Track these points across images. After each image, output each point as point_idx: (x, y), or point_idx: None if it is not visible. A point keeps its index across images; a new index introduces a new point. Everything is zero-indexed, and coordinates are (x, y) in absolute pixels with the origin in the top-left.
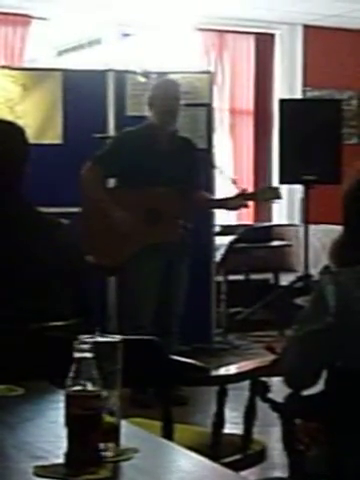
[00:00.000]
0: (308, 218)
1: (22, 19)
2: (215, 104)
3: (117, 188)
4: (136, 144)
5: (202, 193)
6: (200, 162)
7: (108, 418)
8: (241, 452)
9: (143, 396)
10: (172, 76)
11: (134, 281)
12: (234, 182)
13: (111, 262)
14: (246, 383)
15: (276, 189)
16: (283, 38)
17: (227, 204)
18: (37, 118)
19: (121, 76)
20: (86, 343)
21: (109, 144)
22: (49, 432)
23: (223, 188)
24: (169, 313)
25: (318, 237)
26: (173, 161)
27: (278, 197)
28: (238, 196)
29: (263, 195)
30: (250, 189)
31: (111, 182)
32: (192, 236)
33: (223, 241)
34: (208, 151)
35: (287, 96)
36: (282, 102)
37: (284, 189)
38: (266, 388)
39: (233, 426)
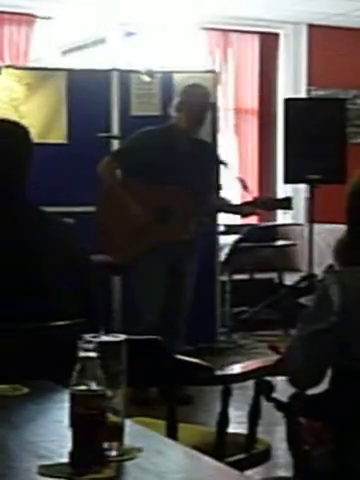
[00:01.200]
0: (313, 217)
1: (27, 18)
2: (220, 103)
3: (131, 183)
4: (155, 142)
5: (215, 197)
6: (217, 166)
7: (112, 417)
8: (245, 451)
9: (143, 395)
10: (179, 76)
11: (142, 279)
12: (245, 187)
13: (122, 259)
14: (250, 382)
15: (287, 199)
16: (288, 37)
17: (237, 210)
18: (41, 117)
19: (125, 75)
20: (90, 342)
21: (128, 140)
22: (53, 431)
23: (229, 185)
24: (177, 313)
25: (323, 236)
26: (190, 162)
27: (289, 208)
28: (248, 204)
29: (273, 205)
30: (255, 190)
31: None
32: (199, 236)
33: (228, 240)
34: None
35: (292, 95)
36: (287, 101)
37: (288, 188)
38: (270, 387)
39: (237, 425)
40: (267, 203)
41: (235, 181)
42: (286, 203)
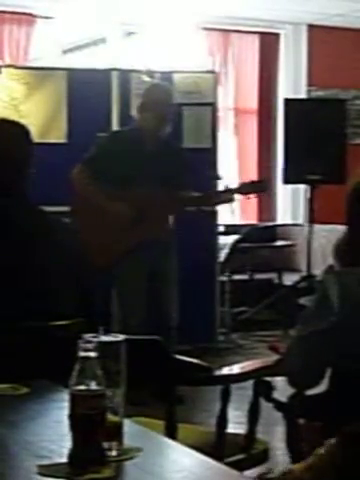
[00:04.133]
0: (312, 218)
1: (27, 18)
2: (219, 104)
3: (103, 188)
4: (123, 145)
5: (187, 192)
6: (186, 163)
7: (112, 417)
8: (244, 452)
9: (139, 394)
10: (179, 76)
11: (122, 284)
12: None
13: (100, 263)
14: (250, 383)
15: (262, 181)
16: (288, 38)
17: (209, 200)
18: (41, 117)
19: (125, 75)
20: (90, 342)
21: (96, 145)
22: (53, 431)
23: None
24: (160, 313)
25: (322, 237)
26: (158, 162)
27: (264, 190)
28: (223, 192)
29: (248, 188)
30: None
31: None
32: (195, 236)
33: (227, 241)
34: (212, 155)
35: (292, 96)
36: (287, 102)
37: (288, 189)
38: (270, 388)
39: (237, 426)
40: (242, 187)
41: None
42: (261, 185)
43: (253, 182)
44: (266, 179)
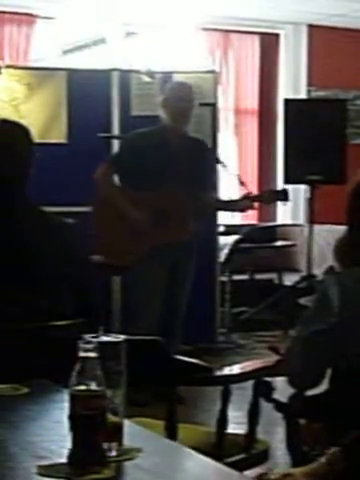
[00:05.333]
0: (312, 218)
1: (27, 18)
2: (220, 104)
3: (127, 188)
4: (147, 145)
5: (211, 194)
6: (212, 163)
7: (112, 418)
8: (245, 452)
9: (139, 395)
10: (179, 76)
11: (140, 281)
12: (241, 183)
13: (120, 262)
14: (250, 383)
15: (283, 191)
16: (288, 38)
17: (234, 206)
18: (42, 117)
19: (126, 76)
20: (90, 343)
21: (121, 145)
22: (53, 432)
23: (228, 185)
24: (174, 316)
25: (323, 237)
26: (183, 162)
27: (286, 199)
28: (244, 198)
29: (270, 197)
30: (254, 190)
31: (121, 184)
32: (195, 236)
33: (227, 241)
34: (213, 148)
35: (292, 96)
36: (287, 102)
37: (289, 189)
38: (270, 388)
39: (237, 426)
40: (263, 195)
41: (233, 179)
42: (283, 195)
43: (275, 191)
44: (287, 190)
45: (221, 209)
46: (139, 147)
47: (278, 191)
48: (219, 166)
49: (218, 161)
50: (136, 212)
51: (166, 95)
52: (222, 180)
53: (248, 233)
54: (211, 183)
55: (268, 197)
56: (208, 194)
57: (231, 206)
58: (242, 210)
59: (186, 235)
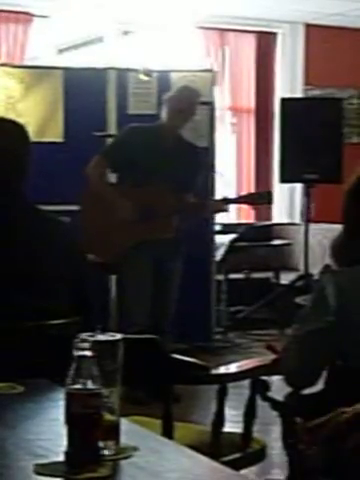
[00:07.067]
0: (309, 217)
1: (23, 17)
2: (216, 103)
3: (116, 184)
4: (141, 140)
5: (192, 193)
6: (202, 167)
7: (108, 416)
8: (241, 450)
9: (135, 393)
10: (176, 75)
11: (127, 278)
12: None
13: (106, 259)
14: (246, 382)
15: (267, 193)
16: (285, 37)
17: (204, 208)
18: (38, 116)
19: (122, 74)
20: (86, 341)
21: (115, 138)
22: (49, 430)
23: (222, 192)
24: (161, 313)
25: (319, 236)
26: (175, 161)
27: (269, 202)
28: (221, 200)
29: (253, 199)
30: (252, 190)
31: (112, 178)
32: (192, 235)
33: (224, 240)
34: (209, 154)
35: (288, 95)
36: (283, 101)
37: (285, 188)
38: (266, 387)
39: (233, 424)
40: (247, 197)
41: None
42: (267, 197)
43: (258, 193)
44: (270, 192)
45: (195, 211)
46: (132, 142)
47: (260, 193)
48: (216, 175)
49: (214, 170)
50: (123, 200)
51: (171, 93)
52: (217, 187)
53: (245, 232)
54: (196, 188)
55: (251, 199)
56: (187, 196)
57: (201, 208)
58: (217, 212)
59: (169, 232)
